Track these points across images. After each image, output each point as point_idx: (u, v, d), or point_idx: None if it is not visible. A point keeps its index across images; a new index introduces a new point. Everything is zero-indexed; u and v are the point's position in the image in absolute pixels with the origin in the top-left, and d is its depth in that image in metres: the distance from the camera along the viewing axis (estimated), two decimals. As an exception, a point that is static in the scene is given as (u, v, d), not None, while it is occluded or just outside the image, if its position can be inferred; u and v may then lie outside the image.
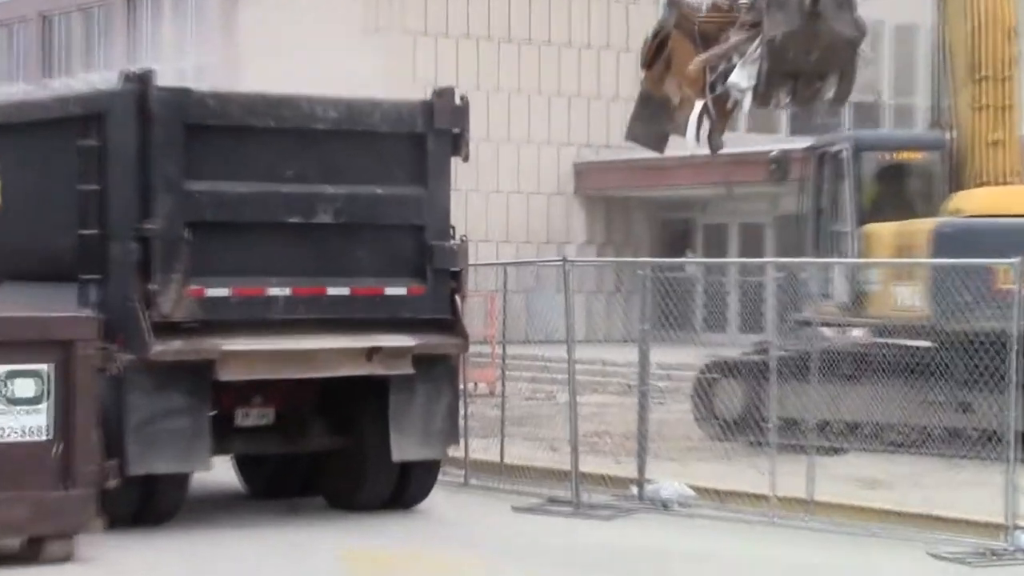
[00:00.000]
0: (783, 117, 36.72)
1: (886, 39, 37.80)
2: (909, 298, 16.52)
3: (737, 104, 16.63)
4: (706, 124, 17.03)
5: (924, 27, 34.62)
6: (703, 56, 16.76)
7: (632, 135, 19.00)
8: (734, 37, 16.66)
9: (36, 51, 42.57)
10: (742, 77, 16.25)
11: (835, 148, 18.30)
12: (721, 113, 17.02)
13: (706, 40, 17.03)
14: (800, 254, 18.42)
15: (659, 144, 18.89)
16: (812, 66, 16.61)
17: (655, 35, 17.70)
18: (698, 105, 16.76)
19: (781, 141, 31.67)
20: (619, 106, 35.19)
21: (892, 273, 16.76)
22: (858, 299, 17.04)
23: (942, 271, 15.64)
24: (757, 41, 16.35)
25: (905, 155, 18.22)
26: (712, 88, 16.70)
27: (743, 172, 28.88)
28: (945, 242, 15.99)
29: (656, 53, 17.56)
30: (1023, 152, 17.79)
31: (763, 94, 16.57)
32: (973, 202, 16.94)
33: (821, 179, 18.56)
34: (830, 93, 16.90)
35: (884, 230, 17.40)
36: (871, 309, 16.79)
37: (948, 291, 15.78)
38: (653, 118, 18.39)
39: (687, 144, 17.52)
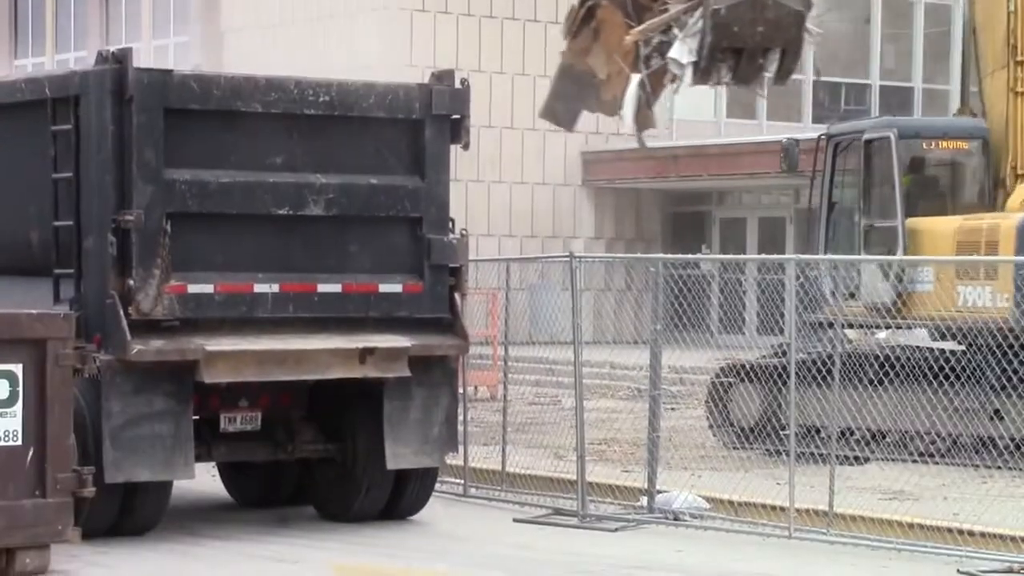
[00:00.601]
0: (808, 104, 36.88)
1: (916, 18, 37.89)
2: (981, 298, 16.43)
3: (676, 80, 16.46)
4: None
5: (959, 5, 34.79)
6: (640, 27, 16.52)
7: (549, 113, 18.59)
8: (673, 7, 16.46)
9: (6, 30, 42.59)
10: (682, 52, 15.96)
11: (875, 136, 18.06)
12: (656, 90, 16.85)
13: (639, 10, 16.82)
14: (811, 249, 18.36)
15: (572, 122, 18.69)
16: (757, 40, 16.45)
17: (581, 3, 17.49)
18: (634, 80, 16.57)
19: (806, 129, 31.79)
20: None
21: (956, 271, 16.50)
22: (904, 298, 16.79)
23: None
24: (699, 12, 16.10)
25: (950, 144, 18.15)
26: (647, 62, 16.55)
27: (763, 163, 28.86)
28: None
29: (583, 23, 17.33)
30: None
31: (704, 70, 16.17)
32: None
33: (839, 169, 18.37)
34: (772, 69, 16.73)
35: (941, 225, 17.28)
36: (922, 309, 16.54)
37: None
38: (574, 95, 18.16)
39: (624, 125, 17.22)
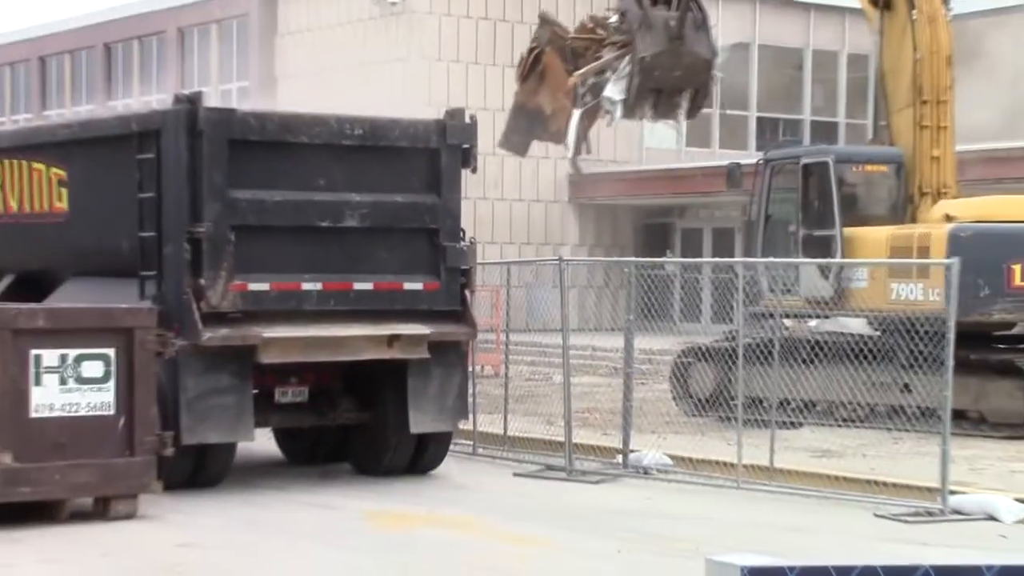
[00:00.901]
0: (752, 135, 36.84)
1: (840, 66, 37.87)
2: (914, 293, 16.23)
3: (609, 114, 16.44)
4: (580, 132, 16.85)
5: (874, 55, 34.76)
6: (579, 71, 16.54)
7: (506, 143, 18.65)
8: (607, 55, 16.47)
9: (101, 76, 42.55)
10: (615, 91, 16.00)
11: (813, 160, 17.92)
12: (591, 122, 16.83)
13: (576, 56, 16.83)
14: (750, 254, 18.23)
15: (525, 150, 18.73)
16: (674, 82, 16.36)
17: (530, 51, 17.44)
18: (575, 115, 16.56)
19: (751, 156, 31.77)
20: (605, 128, 35.27)
21: (889, 271, 16.38)
22: (841, 293, 16.66)
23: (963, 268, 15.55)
24: (627, 59, 16.13)
25: (873, 167, 18.04)
26: (584, 100, 16.53)
27: (716, 183, 28.85)
28: (962, 244, 15.83)
29: (532, 68, 17.31)
30: (955, 167, 17.88)
31: (631, 106, 16.28)
32: (965, 210, 16.84)
33: (775, 188, 18.17)
34: (685, 107, 16.72)
35: (874, 233, 17.13)
36: (857, 302, 16.40)
37: (966, 287, 15.78)
38: (526, 128, 18.15)
39: (568, 150, 17.19)
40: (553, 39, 17.07)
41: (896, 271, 16.41)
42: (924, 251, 16.10)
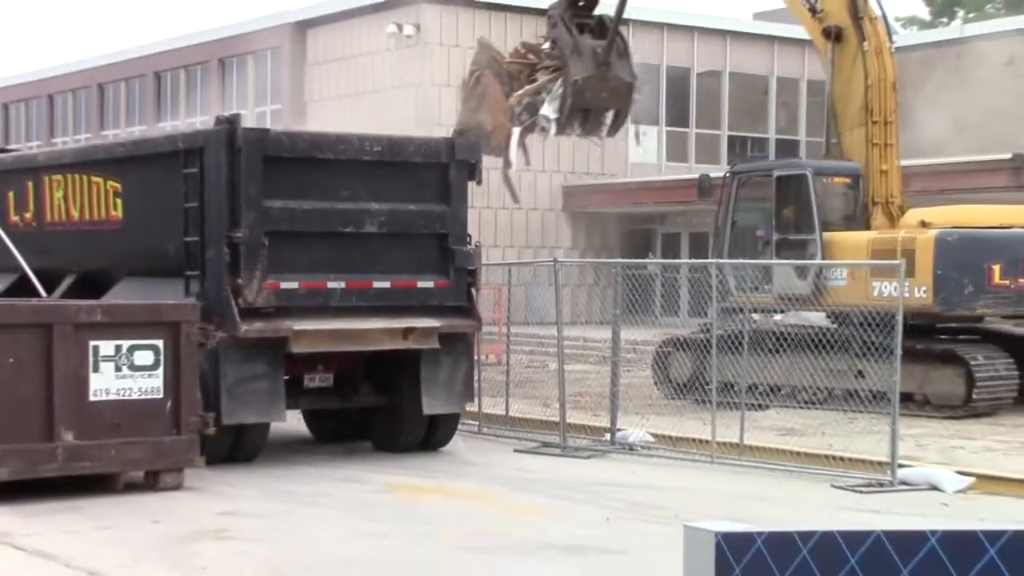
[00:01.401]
0: (724, 151, 36.81)
1: (801, 91, 37.83)
2: (897, 290, 16.05)
3: (544, 131, 16.46)
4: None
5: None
6: (518, 92, 16.58)
7: None
8: (542, 78, 16.54)
9: (151, 100, 42.57)
10: (549, 110, 16.06)
11: (789, 172, 17.66)
12: (525, 137, 16.83)
13: (512, 78, 16.87)
14: (716, 256, 18.05)
15: None
16: (601, 103, 16.36)
17: (471, 74, 17.45)
18: (515, 132, 16.56)
19: (723, 170, 31.72)
20: (594, 146, 35.21)
21: (871, 270, 16.14)
22: (820, 291, 16.37)
23: (947, 268, 15.56)
24: (559, 82, 16.20)
25: (840, 179, 17.75)
26: (521, 118, 16.57)
27: (692, 194, 28.80)
28: (948, 247, 15.83)
29: (473, 89, 17.30)
30: (900, 179, 17.84)
31: (563, 124, 16.25)
32: (938, 217, 16.70)
33: (741, 197, 17.92)
34: (608, 125, 16.74)
35: (855, 238, 16.93)
36: (835, 299, 16.11)
37: (952, 285, 15.75)
38: None
39: (512, 163, 17.09)
40: (491, 63, 17.10)
41: (878, 270, 16.29)
42: (910, 254, 15.99)
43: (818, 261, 16.67)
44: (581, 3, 16.43)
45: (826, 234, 17.11)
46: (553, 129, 16.19)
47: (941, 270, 15.76)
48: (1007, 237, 16.43)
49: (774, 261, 16.89)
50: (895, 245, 16.26)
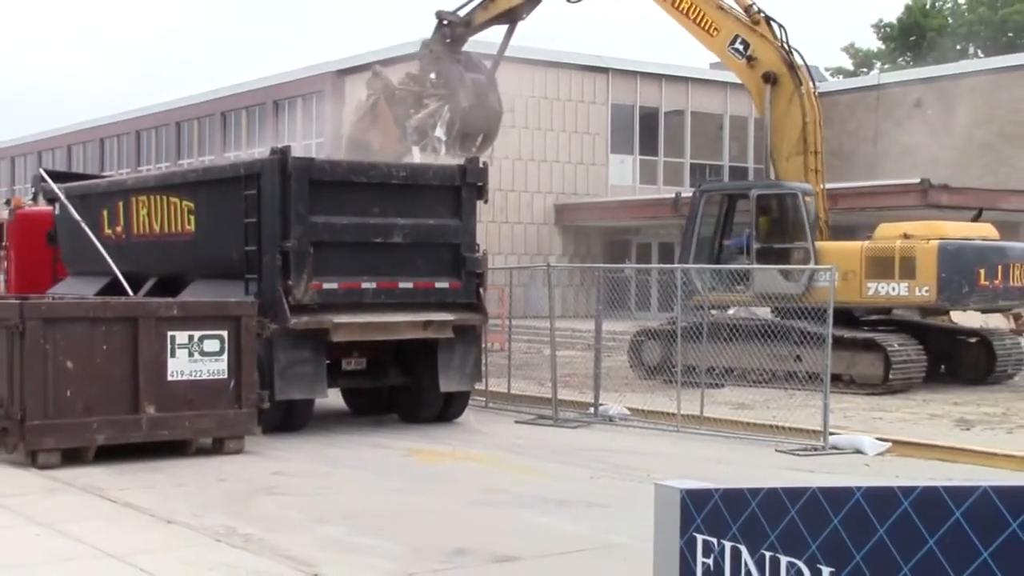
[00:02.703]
0: (687, 175, 36.79)
1: (750, 126, 37.81)
2: (896, 290, 15.88)
3: (436, 151, 16.48)
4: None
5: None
6: (418, 116, 16.61)
7: None
8: (432, 104, 16.58)
9: (219, 135, 42.67)
10: (440, 132, 16.17)
11: (768, 192, 17.11)
12: (421, 153, 16.81)
13: (402, 103, 16.85)
14: (683, 262, 17.82)
15: None
16: (478, 128, 16.38)
17: (368, 97, 17.37)
18: (415, 150, 16.54)
19: (686, 190, 31.67)
20: (583, 168, 35.22)
21: (866, 272, 15.86)
22: (808, 290, 15.78)
23: (949, 272, 15.45)
24: (447, 108, 16.27)
25: (808, 198, 17.13)
26: (413, 138, 16.58)
27: (662, 210, 28.84)
28: (948, 254, 15.73)
29: (370, 110, 17.23)
30: (825, 199, 17.72)
31: (450, 144, 16.29)
32: (918, 230, 16.46)
33: (705, 213, 17.55)
34: (478, 144, 16.70)
35: (847, 246, 16.56)
36: (823, 297, 15.65)
37: (952, 286, 15.66)
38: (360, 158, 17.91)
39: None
40: (384, 90, 17.08)
41: (874, 272, 15.95)
42: (910, 261, 15.81)
43: (809, 265, 16.21)
44: (449, 41, 16.65)
45: (819, 243, 16.66)
46: (443, 148, 16.32)
47: (945, 273, 15.75)
48: (989, 248, 16.42)
49: (766, 266, 16.32)
50: (892, 253, 16.09)
